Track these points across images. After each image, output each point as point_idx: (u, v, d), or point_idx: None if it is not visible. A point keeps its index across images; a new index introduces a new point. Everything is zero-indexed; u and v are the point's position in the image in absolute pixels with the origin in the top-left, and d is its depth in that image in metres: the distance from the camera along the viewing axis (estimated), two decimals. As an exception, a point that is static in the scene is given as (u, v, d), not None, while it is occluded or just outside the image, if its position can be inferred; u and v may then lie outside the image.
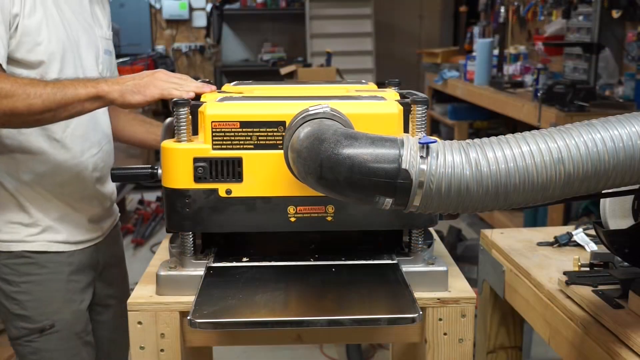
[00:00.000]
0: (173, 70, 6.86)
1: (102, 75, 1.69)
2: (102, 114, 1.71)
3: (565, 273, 1.43)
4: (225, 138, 1.22)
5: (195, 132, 1.27)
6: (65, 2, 1.59)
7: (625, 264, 1.35)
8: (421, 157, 0.98)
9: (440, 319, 1.25)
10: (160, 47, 7.64)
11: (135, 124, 1.87)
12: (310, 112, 1.15)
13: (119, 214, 1.90)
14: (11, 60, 1.49)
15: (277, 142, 1.21)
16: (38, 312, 1.62)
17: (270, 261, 1.31)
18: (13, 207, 1.59)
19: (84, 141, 1.64)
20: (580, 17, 4.28)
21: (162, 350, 1.24)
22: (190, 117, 1.25)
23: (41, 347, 1.63)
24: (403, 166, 0.97)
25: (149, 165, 1.34)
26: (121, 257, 1.91)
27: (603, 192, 1.11)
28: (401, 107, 1.26)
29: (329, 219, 1.25)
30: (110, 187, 1.77)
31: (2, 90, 1.36)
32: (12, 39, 1.47)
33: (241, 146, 1.22)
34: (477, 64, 5.15)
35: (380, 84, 1.57)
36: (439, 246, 1.47)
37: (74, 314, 1.67)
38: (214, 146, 1.22)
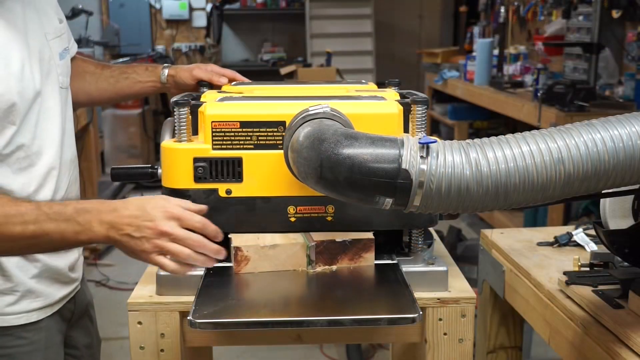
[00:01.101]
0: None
1: (62, 87, 1.41)
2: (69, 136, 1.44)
3: (565, 273, 1.43)
4: (225, 138, 1.22)
5: (195, 132, 1.27)
6: (4, 24, 1.24)
7: (625, 264, 1.35)
8: (421, 157, 0.98)
9: (440, 319, 1.25)
10: (160, 47, 7.64)
11: (113, 80, 1.62)
12: (310, 112, 1.15)
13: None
14: None
15: (277, 142, 1.21)
16: None
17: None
18: None
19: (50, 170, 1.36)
20: (580, 17, 4.28)
21: (162, 350, 1.24)
22: (190, 117, 1.25)
23: None
24: (403, 166, 0.97)
25: (149, 165, 1.33)
26: (90, 298, 1.61)
27: (603, 192, 1.12)
28: (401, 107, 1.26)
29: (329, 219, 1.25)
30: None
31: None
32: None
33: (241, 146, 1.22)
34: (477, 64, 5.15)
35: (380, 84, 1.57)
36: (439, 246, 1.47)
37: None
38: (214, 146, 1.22)
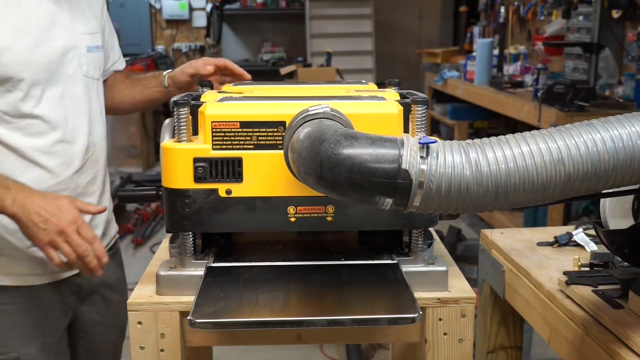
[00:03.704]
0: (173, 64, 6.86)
1: (87, 74, 1.59)
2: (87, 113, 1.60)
3: (565, 273, 1.43)
4: (225, 138, 1.22)
5: (195, 132, 1.27)
6: (38, 3, 1.47)
7: (625, 264, 1.35)
8: (421, 157, 0.98)
9: (440, 319, 1.25)
10: (160, 47, 7.64)
11: (131, 88, 1.79)
12: (310, 112, 1.15)
13: (116, 236, 1.76)
14: None
15: (277, 142, 1.21)
16: (3, 344, 1.51)
17: (270, 261, 1.31)
18: None
19: (57, 157, 1.52)
20: (580, 17, 4.28)
21: (162, 350, 1.24)
22: (190, 117, 1.25)
23: None
24: (403, 166, 0.97)
25: (154, 187, 1.35)
26: (117, 280, 1.76)
27: (603, 192, 1.11)
28: (401, 107, 1.26)
29: (329, 219, 1.25)
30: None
31: None
32: None
33: (241, 146, 1.22)
34: (477, 64, 5.15)
35: (380, 84, 1.57)
36: (439, 246, 1.47)
37: (42, 346, 1.55)
38: (214, 146, 1.22)
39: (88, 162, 1.59)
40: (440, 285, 1.27)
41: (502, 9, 5.75)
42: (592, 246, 1.61)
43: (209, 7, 7.51)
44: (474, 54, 5.47)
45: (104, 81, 1.75)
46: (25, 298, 1.52)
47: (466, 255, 3.53)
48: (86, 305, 1.66)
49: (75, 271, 1.56)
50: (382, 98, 1.30)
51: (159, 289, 1.26)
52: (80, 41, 1.57)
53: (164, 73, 1.74)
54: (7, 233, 1.48)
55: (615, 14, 4.09)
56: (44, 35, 1.47)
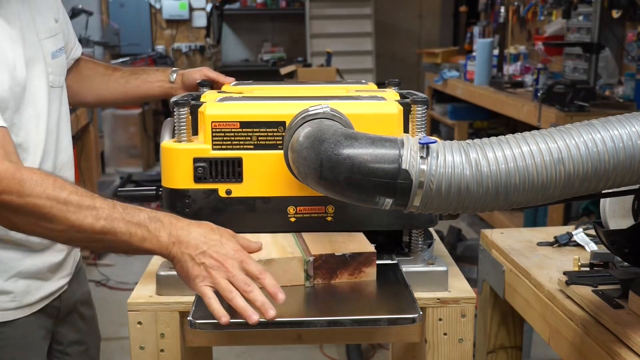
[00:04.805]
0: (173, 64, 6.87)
1: (52, 85, 1.39)
2: (63, 128, 1.45)
3: (565, 273, 1.43)
4: (225, 138, 1.22)
5: (195, 132, 1.27)
6: None
7: (625, 264, 1.35)
8: (421, 157, 0.98)
9: (440, 319, 1.25)
10: (160, 47, 7.64)
11: (124, 81, 1.67)
12: (310, 112, 1.15)
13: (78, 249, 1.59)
14: None
15: (277, 142, 1.21)
16: None
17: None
18: None
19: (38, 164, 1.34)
20: (580, 17, 4.28)
21: (162, 350, 1.24)
22: (190, 117, 1.25)
23: None
24: (403, 166, 0.97)
25: (154, 187, 1.33)
26: (88, 295, 1.63)
27: (603, 192, 1.11)
28: (401, 107, 1.26)
29: (329, 219, 1.25)
30: None
31: (38, 209, 1.07)
32: None
33: (241, 146, 1.22)
34: (477, 64, 5.15)
35: (380, 84, 1.57)
36: (439, 246, 1.47)
37: None
38: (214, 146, 1.22)
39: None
40: (440, 285, 1.27)
41: (502, 9, 5.74)
42: (592, 246, 1.61)
43: (209, 7, 7.51)
44: (474, 54, 5.46)
45: (74, 69, 1.60)
46: (10, 334, 1.38)
47: (466, 255, 3.53)
48: (64, 326, 1.54)
49: (57, 294, 1.45)
50: (382, 98, 1.30)
51: (159, 289, 1.26)
52: (44, 48, 1.37)
53: (172, 69, 1.68)
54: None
55: (615, 14, 4.09)
56: (9, 56, 1.26)
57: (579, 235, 1.66)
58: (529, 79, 4.90)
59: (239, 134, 1.22)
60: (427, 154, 0.98)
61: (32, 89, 1.32)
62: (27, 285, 1.38)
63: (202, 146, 1.22)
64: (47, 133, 1.37)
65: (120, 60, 6.38)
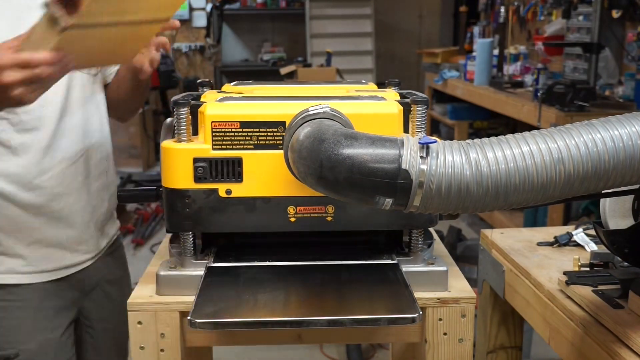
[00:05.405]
0: (173, 71, 6.88)
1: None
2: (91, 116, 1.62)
3: (565, 273, 1.43)
4: (225, 138, 1.22)
5: (195, 132, 1.27)
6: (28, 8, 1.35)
7: (625, 264, 1.35)
8: (421, 157, 0.98)
9: (440, 319, 1.25)
10: (160, 47, 7.62)
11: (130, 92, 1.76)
12: (310, 112, 1.15)
13: (118, 233, 1.78)
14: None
15: (277, 142, 1.21)
16: (3, 340, 1.54)
17: (270, 261, 1.31)
18: None
19: (55, 151, 1.52)
20: (580, 17, 4.29)
21: (162, 350, 1.24)
22: (190, 117, 1.25)
23: None
24: (403, 166, 0.97)
25: (154, 187, 1.34)
26: (119, 278, 1.78)
27: (603, 192, 1.12)
28: (401, 107, 1.26)
29: (329, 219, 1.25)
30: (101, 203, 1.65)
31: None
32: None
33: (241, 146, 1.22)
34: (477, 64, 5.16)
35: (380, 84, 1.57)
36: (439, 246, 1.47)
37: (43, 343, 1.57)
38: (214, 146, 1.22)
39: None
40: (440, 285, 1.27)
41: (502, 9, 5.75)
42: (592, 246, 1.61)
43: (209, 7, 7.52)
44: (474, 54, 5.47)
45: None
46: (25, 296, 1.54)
47: (466, 255, 3.53)
48: (90, 300, 1.69)
49: (78, 267, 1.60)
50: (382, 98, 1.30)
51: (159, 289, 1.26)
52: None
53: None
54: (5, 233, 1.50)
55: (615, 14, 4.10)
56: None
57: (579, 235, 1.66)
58: (529, 79, 4.91)
59: (239, 134, 1.22)
60: (427, 154, 0.98)
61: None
62: (47, 253, 1.54)
63: (202, 146, 1.22)
64: (61, 112, 1.52)
65: (120, 60, 6.37)
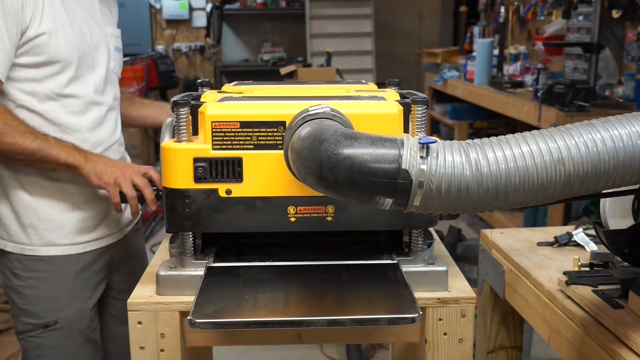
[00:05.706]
0: (173, 71, 6.90)
1: (113, 70, 1.76)
2: (114, 114, 1.78)
3: (565, 273, 1.43)
4: (225, 138, 1.22)
5: (195, 132, 1.27)
6: (77, 4, 1.64)
7: (625, 264, 1.35)
8: (421, 157, 0.98)
9: (440, 319, 1.25)
10: (160, 47, 7.64)
11: (148, 108, 1.98)
12: (310, 112, 1.15)
13: (141, 212, 1.93)
14: (23, 65, 1.55)
15: (277, 142, 1.21)
16: (42, 309, 1.66)
17: (270, 261, 1.31)
18: (21, 208, 1.63)
19: (95, 135, 1.69)
20: (580, 17, 4.28)
21: (162, 350, 1.24)
22: (190, 117, 1.25)
23: (44, 343, 1.67)
24: (403, 166, 0.97)
25: (155, 188, 1.46)
26: (142, 253, 1.95)
27: (603, 192, 1.11)
28: (401, 107, 1.26)
29: (329, 219, 1.25)
30: None
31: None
32: (24, 46, 1.53)
33: (241, 146, 1.22)
34: (477, 64, 5.15)
35: (380, 84, 1.57)
36: (439, 246, 1.47)
37: (78, 312, 1.69)
38: (214, 146, 1.22)
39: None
40: (440, 285, 1.27)
41: (502, 9, 5.74)
42: (592, 246, 1.61)
43: (209, 7, 7.51)
44: (474, 54, 5.46)
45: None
46: (64, 267, 1.67)
47: (466, 255, 3.53)
48: (117, 275, 1.82)
49: (111, 240, 1.76)
50: (382, 98, 1.30)
51: (159, 289, 1.26)
52: (110, 40, 1.76)
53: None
54: (48, 204, 1.63)
55: (615, 14, 4.09)
56: (84, 27, 1.65)
57: (579, 235, 1.66)
58: (529, 79, 4.91)
59: (239, 134, 1.22)
60: (427, 154, 0.98)
61: (97, 60, 1.69)
62: (84, 225, 1.68)
63: (202, 146, 1.22)
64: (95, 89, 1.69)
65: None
